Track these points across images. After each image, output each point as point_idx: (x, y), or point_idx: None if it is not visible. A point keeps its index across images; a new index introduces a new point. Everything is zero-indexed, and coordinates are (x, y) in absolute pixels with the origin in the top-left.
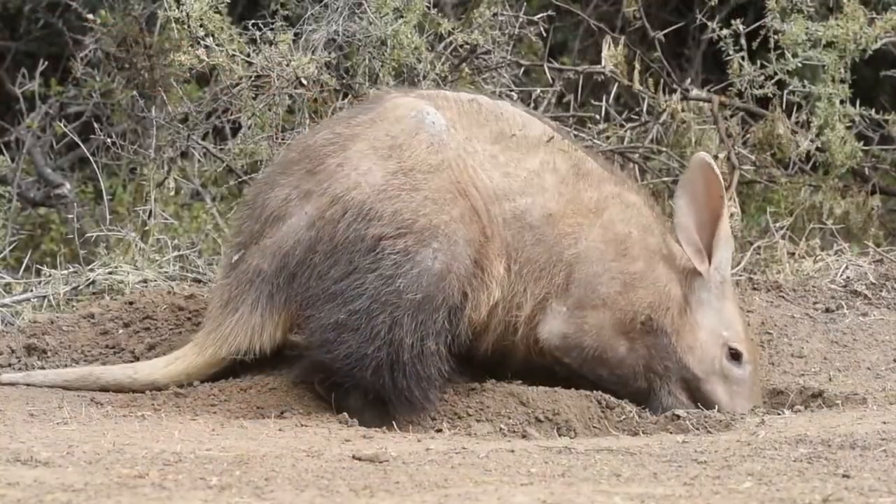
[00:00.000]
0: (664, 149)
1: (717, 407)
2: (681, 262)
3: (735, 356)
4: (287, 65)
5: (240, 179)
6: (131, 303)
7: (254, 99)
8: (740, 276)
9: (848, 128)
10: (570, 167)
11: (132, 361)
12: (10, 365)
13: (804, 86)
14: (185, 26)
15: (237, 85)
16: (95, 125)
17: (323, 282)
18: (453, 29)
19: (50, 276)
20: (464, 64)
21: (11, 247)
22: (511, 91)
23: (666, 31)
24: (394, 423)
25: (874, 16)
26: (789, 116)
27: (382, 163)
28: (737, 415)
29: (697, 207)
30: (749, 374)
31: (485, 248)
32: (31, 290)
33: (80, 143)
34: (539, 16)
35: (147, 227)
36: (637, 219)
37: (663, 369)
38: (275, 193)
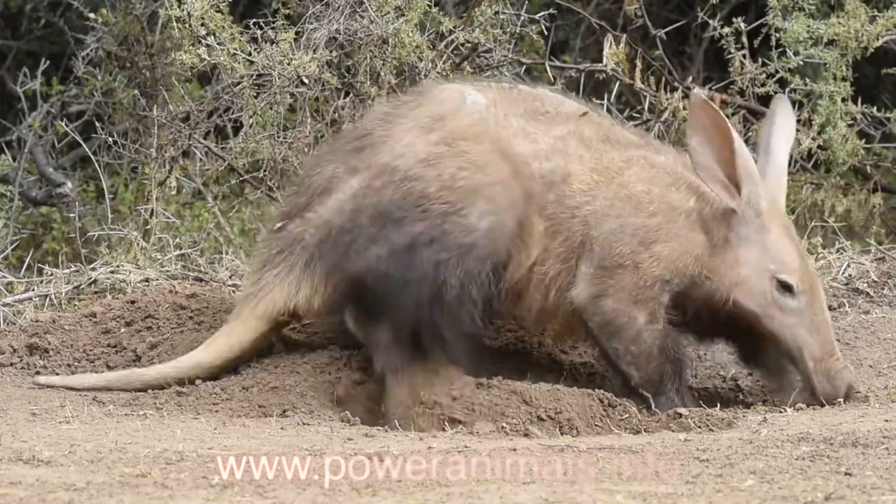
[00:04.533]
0: None
1: (782, 343)
2: (716, 208)
3: (785, 287)
4: (288, 63)
5: (241, 178)
6: (133, 302)
7: (255, 98)
8: None
9: (850, 126)
10: (597, 135)
11: (134, 360)
12: (11, 364)
13: (806, 84)
14: (187, 25)
15: (238, 84)
16: (97, 124)
17: (370, 243)
18: (455, 27)
19: (52, 275)
20: (465, 62)
21: (13, 246)
22: None
23: (667, 29)
24: (417, 368)
25: (876, 13)
26: None
27: (425, 135)
28: (802, 347)
29: (712, 145)
30: (806, 304)
31: (526, 210)
32: (33, 290)
33: (81, 142)
34: (540, 14)
35: (149, 226)
36: (660, 177)
37: (676, 362)
38: (322, 170)
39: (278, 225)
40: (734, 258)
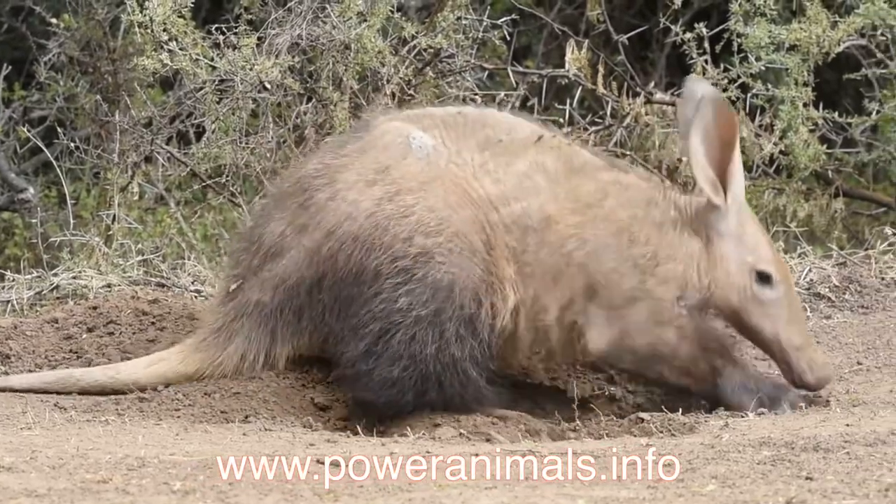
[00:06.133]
0: (628, 152)
1: (762, 336)
2: (690, 211)
3: (764, 279)
4: (251, 69)
5: (204, 184)
6: (95, 307)
7: (217, 103)
8: None
9: (811, 131)
10: (561, 164)
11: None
12: None
13: (767, 89)
14: (149, 30)
15: (201, 89)
16: (59, 129)
17: (341, 319)
18: (417, 33)
19: (13, 280)
20: (428, 68)
21: None
22: (475, 95)
23: (629, 34)
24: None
25: (837, 19)
26: (753, 119)
27: (370, 190)
28: (781, 337)
29: (710, 143)
30: (783, 294)
31: (490, 254)
32: None
33: (43, 147)
34: (503, 19)
35: (111, 232)
36: (638, 197)
37: (721, 350)
38: (270, 228)
39: (233, 286)
40: (718, 255)
